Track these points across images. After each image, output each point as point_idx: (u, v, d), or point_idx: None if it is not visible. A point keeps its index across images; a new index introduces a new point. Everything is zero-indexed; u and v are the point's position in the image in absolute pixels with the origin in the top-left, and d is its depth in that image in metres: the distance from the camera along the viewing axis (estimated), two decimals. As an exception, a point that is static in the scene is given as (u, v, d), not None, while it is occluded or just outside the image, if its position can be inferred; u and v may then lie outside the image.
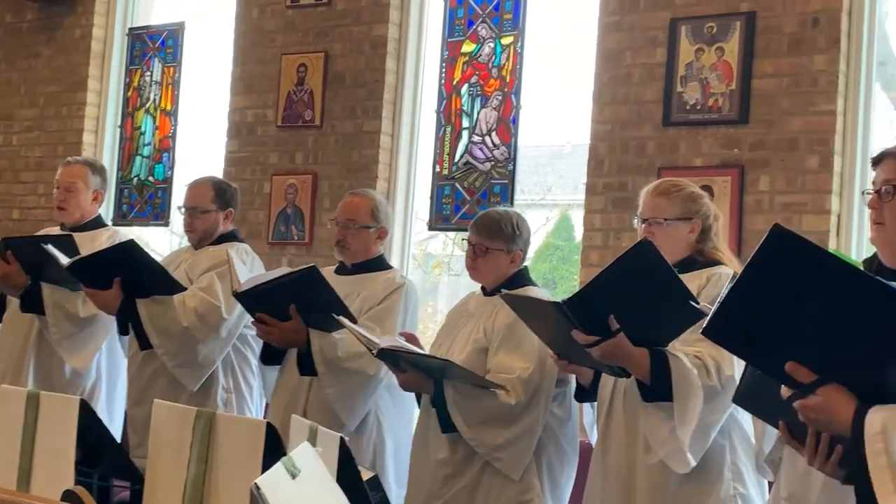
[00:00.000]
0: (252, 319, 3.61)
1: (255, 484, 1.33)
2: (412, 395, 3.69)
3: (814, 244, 1.66)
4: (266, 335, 3.56)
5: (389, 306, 3.65)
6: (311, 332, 3.50)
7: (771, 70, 4.37)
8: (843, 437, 1.67)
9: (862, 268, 1.61)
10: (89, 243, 4.26)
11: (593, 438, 3.14)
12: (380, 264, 3.80)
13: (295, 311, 3.47)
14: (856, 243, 4.24)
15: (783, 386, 1.69)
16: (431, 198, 5.31)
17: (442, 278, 5.77)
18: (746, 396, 2.08)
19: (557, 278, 5.66)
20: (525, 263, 3.45)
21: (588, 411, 3.17)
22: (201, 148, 6.30)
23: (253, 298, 3.50)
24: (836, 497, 2.21)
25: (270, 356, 3.75)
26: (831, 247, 4.05)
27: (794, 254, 1.59)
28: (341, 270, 3.79)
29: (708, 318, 1.68)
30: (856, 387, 1.61)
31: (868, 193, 2.35)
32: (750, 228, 4.29)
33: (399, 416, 3.72)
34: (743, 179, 4.36)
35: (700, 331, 2.70)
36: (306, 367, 3.55)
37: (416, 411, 3.81)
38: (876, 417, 1.56)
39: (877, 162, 2.34)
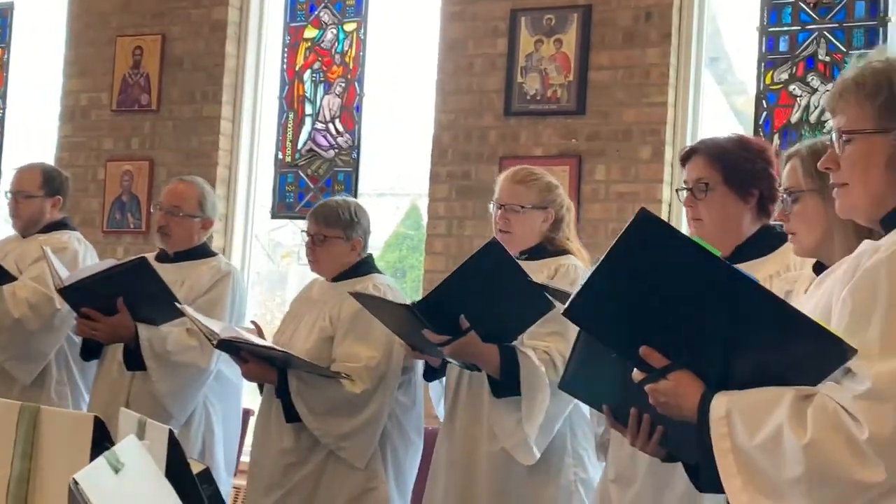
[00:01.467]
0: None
1: (74, 479, 1.28)
2: (239, 384, 3.65)
3: (676, 230, 1.70)
4: (90, 331, 3.44)
5: (217, 296, 3.58)
6: (139, 326, 3.41)
7: (606, 62, 4.49)
8: (676, 420, 1.73)
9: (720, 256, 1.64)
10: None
11: (440, 410, 3.17)
12: (203, 252, 3.72)
13: (122, 305, 3.37)
14: (686, 232, 4.40)
15: (635, 370, 1.73)
16: (274, 185, 5.24)
17: (291, 268, 5.71)
18: (572, 382, 2.13)
19: (407, 267, 5.67)
20: (370, 252, 3.44)
21: (436, 386, 3.20)
22: (33, 132, 6.04)
23: (78, 293, 3.38)
24: (661, 477, 2.31)
25: (90, 351, 3.64)
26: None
27: (656, 239, 1.61)
28: (162, 258, 3.70)
29: (570, 298, 1.70)
30: (704, 373, 1.66)
31: (682, 191, 2.44)
32: (587, 217, 4.41)
33: (228, 405, 3.66)
34: (580, 169, 4.47)
35: (551, 323, 2.80)
36: (133, 362, 3.45)
37: (244, 400, 3.78)
38: (720, 402, 1.61)
39: (685, 159, 2.44)
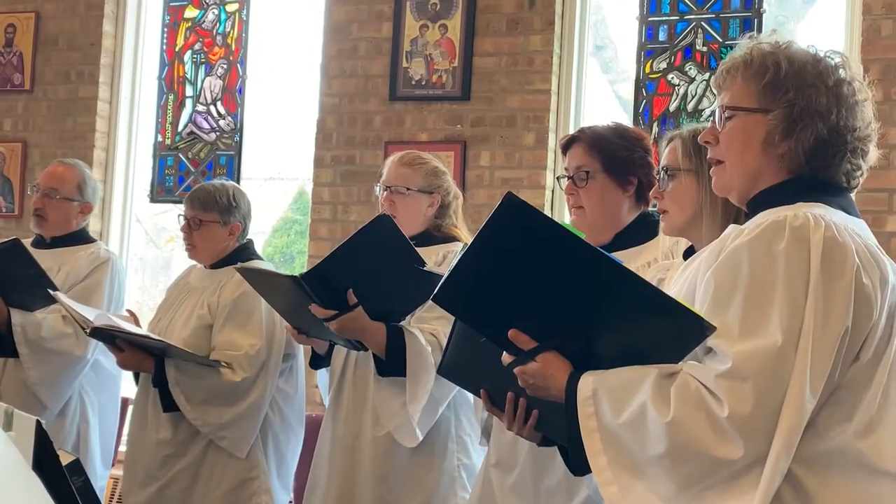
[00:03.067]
0: None
1: (-70, 474, 1.22)
2: (118, 374, 3.56)
3: (542, 213, 1.71)
4: None
5: (95, 282, 3.50)
6: (13, 312, 3.31)
7: (491, 49, 4.52)
8: (547, 402, 1.75)
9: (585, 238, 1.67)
10: None
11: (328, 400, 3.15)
12: (81, 237, 3.63)
13: None
14: (568, 218, 4.47)
15: (504, 353, 1.74)
16: (154, 169, 5.11)
17: (175, 253, 5.59)
18: (450, 367, 2.13)
19: (295, 252, 5.62)
20: (251, 237, 3.39)
21: (324, 376, 3.17)
22: None
23: None
24: (541, 462, 2.33)
25: None
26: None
27: (523, 222, 1.62)
28: (39, 244, 3.58)
29: (439, 284, 1.70)
30: (572, 355, 1.68)
31: (563, 179, 2.47)
32: (471, 202, 4.42)
33: (104, 395, 3.59)
34: (465, 155, 4.49)
35: (434, 307, 2.79)
36: (5, 348, 3.34)
37: (122, 389, 3.69)
38: (587, 382, 1.63)
39: (566, 148, 2.47)
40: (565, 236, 1.63)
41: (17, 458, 1.53)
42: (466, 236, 3.09)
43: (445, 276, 1.72)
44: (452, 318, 2.77)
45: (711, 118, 1.77)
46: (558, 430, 1.78)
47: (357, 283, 2.69)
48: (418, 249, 2.81)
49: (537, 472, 2.37)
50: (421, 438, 2.81)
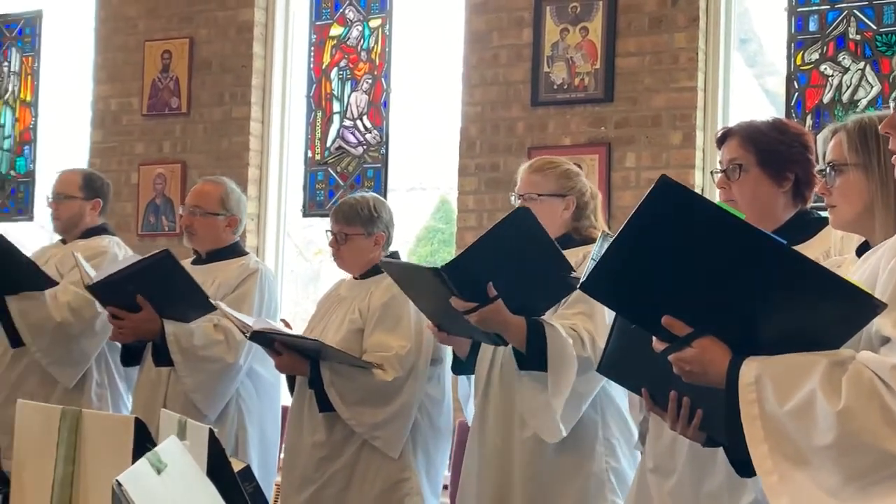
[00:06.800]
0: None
1: (117, 481, 1.29)
2: (276, 383, 3.66)
3: (699, 195, 1.68)
4: (118, 331, 3.47)
5: (245, 293, 3.59)
6: (166, 322, 3.43)
7: (633, 49, 4.47)
8: (709, 398, 1.71)
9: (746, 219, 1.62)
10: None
11: (468, 412, 3.17)
12: (234, 251, 3.74)
13: (144, 300, 3.38)
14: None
15: (655, 339, 1.71)
16: (305, 184, 5.26)
17: (324, 265, 5.74)
18: (610, 366, 2.11)
19: (439, 261, 5.68)
20: (397, 248, 3.45)
21: (464, 383, 3.20)
22: (65, 139, 6.09)
23: (108, 289, 3.40)
24: (701, 465, 2.29)
25: (131, 357, 3.68)
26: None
27: (679, 204, 1.59)
28: (196, 260, 3.73)
29: (586, 272, 1.69)
30: (731, 339, 1.64)
31: (716, 173, 2.42)
32: (618, 205, 4.39)
33: (263, 403, 3.67)
34: (610, 157, 4.45)
35: (578, 304, 2.78)
36: (161, 357, 3.48)
37: (282, 398, 3.79)
38: (750, 368, 1.59)
39: (721, 141, 2.42)
40: (726, 217, 1.59)
41: (194, 466, 1.60)
42: (608, 236, 3.06)
43: (593, 263, 1.70)
44: (593, 315, 2.78)
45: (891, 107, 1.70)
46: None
47: (497, 275, 2.68)
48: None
49: (697, 477, 2.32)
50: (565, 434, 2.78)
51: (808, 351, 1.58)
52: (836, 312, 1.55)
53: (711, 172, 2.35)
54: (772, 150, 2.34)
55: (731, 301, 1.62)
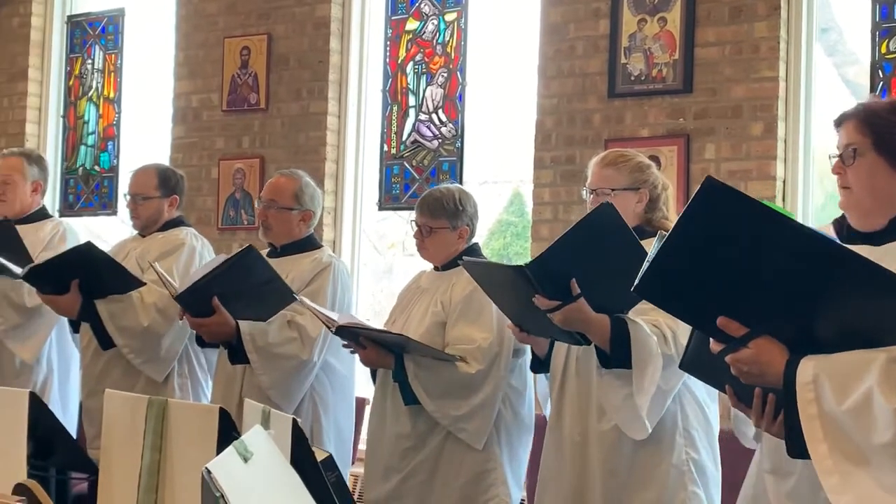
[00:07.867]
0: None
1: (206, 468, 1.32)
2: (350, 375, 3.70)
3: (746, 195, 1.65)
4: (198, 328, 3.56)
5: (318, 287, 3.62)
6: (241, 323, 3.48)
7: (713, 38, 4.40)
8: (775, 389, 1.69)
9: (796, 219, 1.60)
10: (33, 235, 4.21)
11: (547, 410, 3.16)
12: (308, 244, 3.77)
13: (217, 304, 3.44)
14: (801, 208, 4.30)
15: (712, 341, 1.70)
16: (380, 178, 5.29)
17: (397, 259, 5.77)
18: (693, 362, 2.08)
19: (512, 254, 5.66)
20: (475, 240, 3.45)
21: (543, 382, 3.19)
22: (147, 135, 6.22)
23: (195, 295, 3.45)
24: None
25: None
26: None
27: (728, 205, 1.58)
28: (272, 253, 3.77)
29: (639, 274, 1.67)
30: (787, 339, 1.62)
31: (833, 157, 2.32)
32: (697, 197, 4.33)
33: (337, 396, 3.70)
34: (689, 148, 4.40)
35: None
36: (237, 356, 3.53)
37: (356, 392, 3.82)
38: (807, 367, 1.58)
39: (838, 124, 2.30)
40: (776, 218, 1.57)
41: (278, 455, 1.63)
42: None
43: (645, 266, 1.68)
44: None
45: None
46: None
47: (580, 273, 2.66)
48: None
49: (816, 480, 2.24)
50: (650, 430, 2.76)
51: (865, 348, 1.54)
52: (892, 309, 1.51)
53: (830, 157, 2.26)
54: (889, 133, 2.21)
55: (786, 301, 1.60)
